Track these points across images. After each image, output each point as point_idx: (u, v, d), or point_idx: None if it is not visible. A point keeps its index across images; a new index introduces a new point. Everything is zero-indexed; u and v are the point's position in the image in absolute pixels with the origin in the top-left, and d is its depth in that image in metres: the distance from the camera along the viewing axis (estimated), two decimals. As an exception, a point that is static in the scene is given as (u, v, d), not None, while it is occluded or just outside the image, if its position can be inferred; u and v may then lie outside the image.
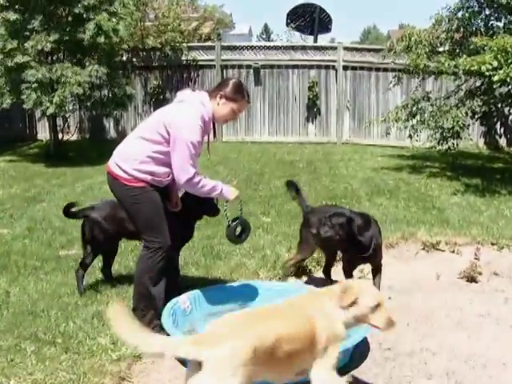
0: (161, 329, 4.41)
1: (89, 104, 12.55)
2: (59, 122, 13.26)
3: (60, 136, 13.13)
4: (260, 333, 3.11)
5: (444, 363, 4.30)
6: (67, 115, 12.99)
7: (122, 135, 15.63)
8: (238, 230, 4.89)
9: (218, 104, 4.52)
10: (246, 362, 2.98)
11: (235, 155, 13.33)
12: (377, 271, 5.43)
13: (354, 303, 3.36)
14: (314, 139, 15.47)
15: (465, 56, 9.41)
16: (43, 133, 15.32)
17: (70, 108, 12.88)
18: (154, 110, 15.40)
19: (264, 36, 71.52)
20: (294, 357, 3.21)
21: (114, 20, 11.70)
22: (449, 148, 11.07)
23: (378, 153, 13.64)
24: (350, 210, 5.42)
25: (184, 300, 4.85)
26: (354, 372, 4.17)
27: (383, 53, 12.54)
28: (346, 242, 5.19)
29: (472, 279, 5.98)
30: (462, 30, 10.92)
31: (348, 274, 5.38)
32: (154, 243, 4.58)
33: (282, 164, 12.30)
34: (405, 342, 4.62)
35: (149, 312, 4.65)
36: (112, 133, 15.87)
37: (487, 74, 8.63)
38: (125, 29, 11.97)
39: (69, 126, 13.92)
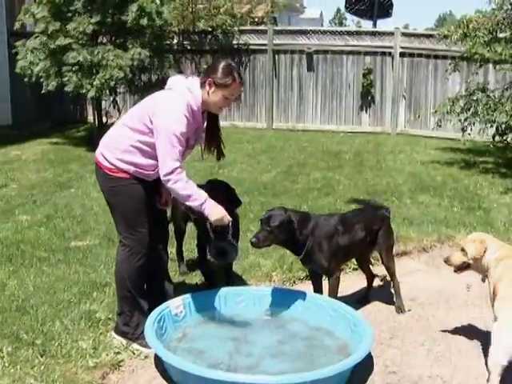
0: None
1: (133, 87, 12.33)
2: (104, 105, 13.10)
3: (104, 120, 12.96)
4: None
5: None
6: (111, 98, 12.78)
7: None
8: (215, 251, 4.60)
9: (208, 92, 4.12)
10: None
11: (281, 144, 12.88)
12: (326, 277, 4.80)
13: None
14: (368, 129, 14.83)
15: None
16: (93, 115, 15.28)
17: (119, 91, 12.72)
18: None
19: (336, 21, 70.60)
20: None
21: (157, 1, 11.40)
22: (507, 144, 10.30)
23: (433, 145, 12.91)
24: (289, 210, 4.68)
25: (177, 304, 4.50)
26: (347, 398, 3.73)
27: (437, 39, 11.77)
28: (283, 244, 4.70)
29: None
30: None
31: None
32: (129, 240, 4.23)
33: (328, 155, 11.78)
34: (414, 366, 4.12)
35: (134, 315, 4.33)
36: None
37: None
38: (169, 11, 11.63)
39: (119, 109, 13.75)
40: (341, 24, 62.19)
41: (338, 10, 70.74)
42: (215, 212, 4.11)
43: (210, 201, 4.09)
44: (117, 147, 4.14)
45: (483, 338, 4.47)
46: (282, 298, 4.75)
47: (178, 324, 4.42)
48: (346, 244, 4.72)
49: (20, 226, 6.94)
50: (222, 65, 4.14)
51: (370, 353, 4.04)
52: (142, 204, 4.22)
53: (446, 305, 5.20)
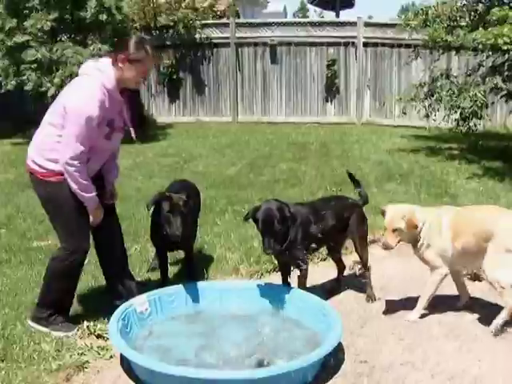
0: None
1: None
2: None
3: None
4: None
5: (425, 381, 3.75)
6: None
7: (133, 116, 15.25)
8: None
9: (122, 68, 4.02)
10: None
11: (247, 137, 12.80)
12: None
13: None
14: (333, 119, 14.85)
15: (480, 29, 8.68)
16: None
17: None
18: (168, 90, 15.08)
19: (300, 15, 70.62)
20: None
21: (116, -4, 11.25)
22: (469, 128, 10.36)
23: (398, 133, 12.98)
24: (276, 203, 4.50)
25: (142, 302, 4.39)
26: (318, 389, 3.66)
27: (399, 28, 11.80)
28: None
29: (476, 277, 5.37)
30: (483, 1, 10.14)
31: None
32: (69, 244, 4.18)
33: (294, 146, 11.75)
34: (385, 354, 4.06)
35: (51, 307, 4.34)
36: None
37: (505, 48, 7.92)
38: (129, 5, 11.47)
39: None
40: (304, 17, 62.30)
41: (302, 3, 70.74)
42: (94, 211, 4.18)
43: (96, 203, 4.15)
44: (43, 148, 4.05)
45: (454, 322, 4.47)
46: (249, 292, 4.66)
47: (143, 322, 4.31)
48: (318, 232, 4.65)
49: (-20, 228, 6.75)
50: (133, 40, 4.07)
51: (340, 343, 3.98)
52: (82, 206, 4.13)
53: (416, 292, 5.15)
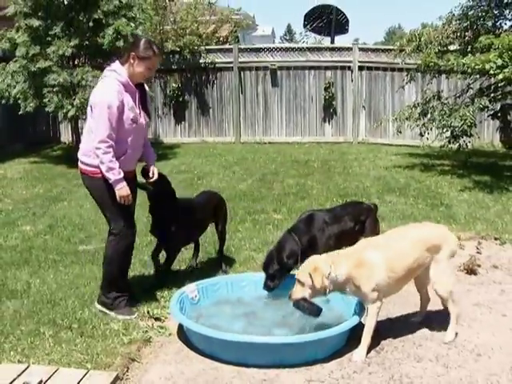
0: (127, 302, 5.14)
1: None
2: (81, 124, 13.65)
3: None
4: None
5: (434, 348, 4.57)
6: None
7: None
8: None
9: (133, 65, 4.87)
10: None
11: (252, 156, 13.61)
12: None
13: None
14: (331, 139, 15.70)
15: (469, 55, 9.61)
16: (66, 135, 15.82)
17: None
18: (174, 112, 15.79)
19: (287, 37, 71.75)
20: None
21: (132, 25, 12.06)
22: (460, 146, 11.25)
23: (393, 152, 13.84)
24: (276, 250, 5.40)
25: (192, 289, 5.17)
26: (347, 355, 4.45)
27: (394, 53, 12.73)
28: None
29: (471, 271, 6.21)
30: (472, 28, 11.09)
31: None
32: (118, 229, 5.01)
33: (298, 164, 12.57)
34: (399, 329, 4.88)
35: (114, 290, 5.12)
36: (133, 135, 16.19)
37: (492, 72, 8.84)
38: (143, 33, 12.30)
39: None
40: (292, 40, 63.55)
41: (289, 26, 71.97)
42: (124, 190, 4.86)
43: (124, 181, 4.84)
44: (90, 150, 4.84)
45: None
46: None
47: (194, 306, 5.08)
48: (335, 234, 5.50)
49: (26, 236, 7.51)
50: (142, 41, 4.97)
51: (361, 322, 4.76)
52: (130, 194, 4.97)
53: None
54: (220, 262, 6.26)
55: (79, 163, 5.00)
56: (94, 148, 4.74)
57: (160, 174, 5.38)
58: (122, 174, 4.83)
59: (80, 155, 4.98)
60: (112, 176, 4.80)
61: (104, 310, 5.13)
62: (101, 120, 4.72)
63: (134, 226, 5.14)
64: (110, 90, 4.79)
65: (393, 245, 4.64)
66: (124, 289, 5.19)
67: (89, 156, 4.87)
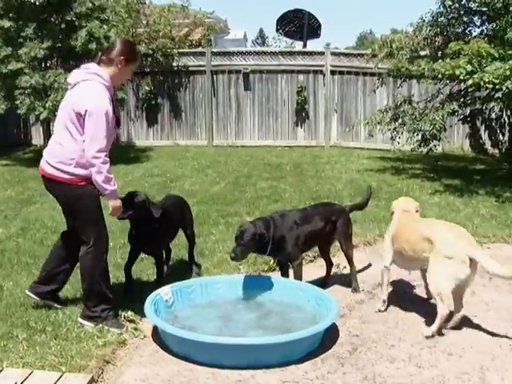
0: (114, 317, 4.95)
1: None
2: (52, 127, 13.54)
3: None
4: None
5: (407, 348, 4.64)
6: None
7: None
8: None
9: (119, 69, 4.76)
10: None
11: (224, 159, 13.64)
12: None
13: None
14: (303, 143, 15.80)
15: (440, 60, 9.78)
16: (37, 138, 15.66)
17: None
18: (147, 115, 15.75)
19: (259, 41, 71.93)
20: None
21: (105, 27, 12.04)
22: (430, 150, 11.42)
23: (364, 155, 13.98)
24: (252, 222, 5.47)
25: (166, 292, 5.18)
26: (321, 356, 4.50)
27: (367, 58, 12.88)
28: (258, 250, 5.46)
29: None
30: (442, 35, 11.27)
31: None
32: (94, 238, 4.83)
33: (270, 167, 12.63)
34: (373, 330, 4.95)
35: (101, 302, 4.92)
36: (105, 137, 16.11)
37: (462, 77, 9.00)
38: (116, 35, 12.27)
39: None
40: (264, 44, 63.82)
41: (261, 31, 72.16)
42: (119, 202, 4.88)
43: (117, 192, 4.83)
44: (70, 157, 4.65)
45: (420, 304, 5.37)
46: (255, 283, 5.49)
47: (168, 309, 5.09)
48: (305, 234, 5.55)
49: (-2, 238, 7.44)
50: (130, 44, 5.02)
51: (335, 323, 4.83)
52: (99, 203, 4.89)
53: (391, 286, 6.05)
54: (191, 266, 6.27)
55: (52, 170, 4.73)
56: (91, 157, 4.55)
57: (135, 202, 5.33)
58: (116, 185, 4.77)
59: (54, 162, 4.71)
60: (109, 187, 4.69)
61: (91, 324, 4.89)
62: (99, 128, 4.55)
63: (106, 229, 5.01)
64: (102, 95, 4.62)
65: None
66: (111, 298, 4.99)
67: (68, 164, 4.66)
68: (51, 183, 4.82)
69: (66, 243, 5.19)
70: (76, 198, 4.76)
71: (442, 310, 4.79)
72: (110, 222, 5.40)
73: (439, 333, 4.80)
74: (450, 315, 4.89)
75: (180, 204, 6.37)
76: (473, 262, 4.71)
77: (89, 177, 4.68)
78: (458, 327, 4.96)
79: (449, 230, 4.97)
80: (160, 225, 5.54)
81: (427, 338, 4.76)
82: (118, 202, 4.87)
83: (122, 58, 4.74)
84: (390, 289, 5.60)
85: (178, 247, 6.81)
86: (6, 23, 11.73)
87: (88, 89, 4.65)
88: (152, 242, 5.62)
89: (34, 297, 5.20)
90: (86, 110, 4.56)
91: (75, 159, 4.65)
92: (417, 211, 5.54)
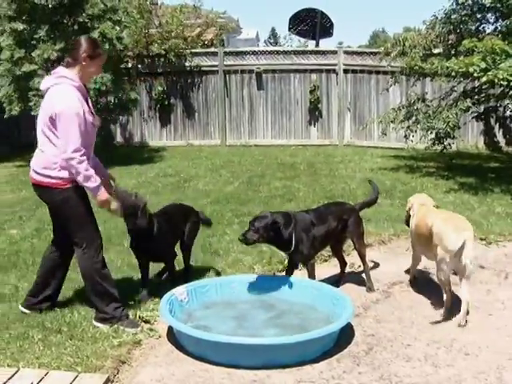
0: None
1: (95, 110, 12.88)
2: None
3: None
4: None
5: (423, 347, 4.61)
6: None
7: (128, 141, 16.06)
8: None
9: (85, 66, 4.78)
10: None
11: (238, 158, 13.62)
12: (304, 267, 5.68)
13: None
14: (316, 142, 15.75)
15: (453, 58, 9.71)
16: (51, 139, 15.71)
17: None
18: (160, 115, 15.74)
19: (272, 40, 71.97)
20: None
21: (117, 28, 12.07)
22: (444, 148, 11.35)
23: (378, 154, 13.91)
24: (272, 212, 5.45)
25: (181, 292, 5.18)
26: (337, 355, 4.48)
27: (379, 56, 12.83)
28: (271, 243, 5.45)
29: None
30: (455, 32, 11.20)
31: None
32: (85, 239, 4.87)
33: (283, 166, 12.60)
34: (389, 329, 4.93)
35: (110, 302, 4.94)
36: (119, 138, 16.20)
37: (475, 75, 8.94)
38: (128, 36, 12.31)
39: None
40: (276, 43, 63.82)
41: (273, 30, 72.09)
42: (104, 196, 4.84)
43: (102, 187, 4.82)
44: (55, 161, 4.68)
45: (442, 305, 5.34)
46: (269, 283, 5.49)
47: (183, 308, 5.10)
48: (321, 234, 5.53)
49: (13, 239, 7.49)
50: (89, 41, 4.91)
51: (350, 323, 4.81)
52: (88, 203, 4.92)
53: (406, 284, 6.03)
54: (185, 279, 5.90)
55: (38, 176, 4.79)
56: (66, 159, 4.58)
57: (136, 212, 5.26)
58: (99, 180, 4.78)
59: (38, 168, 4.78)
60: (91, 184, 4.72)
61: (107, 326, 4.89)
62: (71, 128, 4.57)
63: (98, 228, 5.01)
64: (71, 96, 4.66)
65: None
66: (117, 295, 4.99)
67: (53, 168, 4.69)
68: (39, 190, 4.91)
69: (54, 253, 5.25)
70: (62, 202, 4.80)
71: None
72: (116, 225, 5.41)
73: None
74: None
75: (179, 213, 6.16)
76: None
77: (74, 178, 4.74)
78: (475, 326, 4.93)
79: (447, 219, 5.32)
80: (150, 233, 5.42)
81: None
82: (104, 196, 4.85)
83: (85, 55, 4.78)
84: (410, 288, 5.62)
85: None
86: (20, 26, 11.79)
87: (57, 92, 4.71)
88: (148, 249, 5.54)
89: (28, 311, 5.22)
90: (55, 113, 4.63)
91: (58, 163, 4.69)
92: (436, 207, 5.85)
